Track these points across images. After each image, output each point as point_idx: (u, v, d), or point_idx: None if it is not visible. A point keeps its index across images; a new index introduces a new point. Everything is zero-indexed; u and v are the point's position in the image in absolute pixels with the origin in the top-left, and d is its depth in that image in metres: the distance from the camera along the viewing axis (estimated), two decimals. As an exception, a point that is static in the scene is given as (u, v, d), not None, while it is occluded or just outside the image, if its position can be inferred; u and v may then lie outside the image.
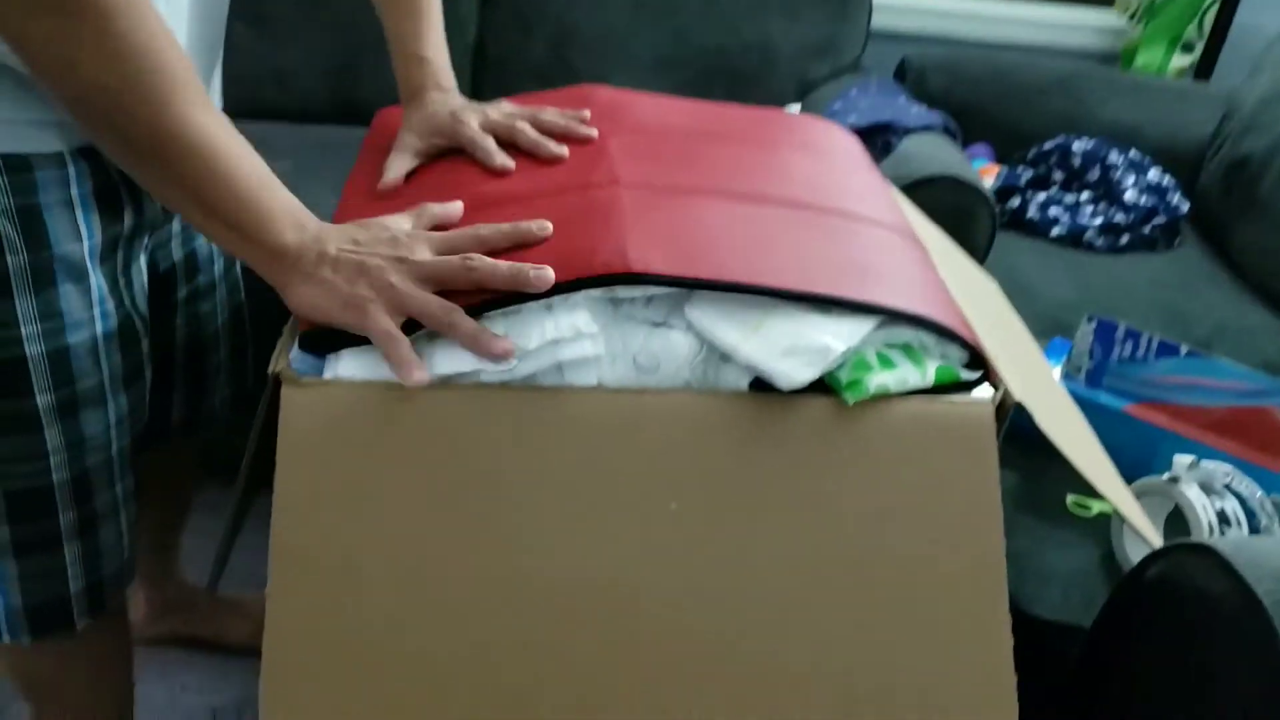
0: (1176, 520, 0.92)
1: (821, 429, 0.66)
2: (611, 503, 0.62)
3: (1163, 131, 1.83)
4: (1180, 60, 1.99)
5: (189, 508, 1.20)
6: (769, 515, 0.64)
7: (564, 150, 0.82)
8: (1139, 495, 0.95)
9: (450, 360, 0.63)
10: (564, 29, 1.85)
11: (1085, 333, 1.09)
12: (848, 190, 0.86)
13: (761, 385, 0.66)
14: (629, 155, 0.84)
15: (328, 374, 0.64)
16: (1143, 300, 1.49)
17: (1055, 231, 1.65)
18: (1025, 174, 1.73)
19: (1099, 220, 1.65)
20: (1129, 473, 1.07)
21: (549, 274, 0.63)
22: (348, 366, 0.64)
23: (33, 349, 0.72)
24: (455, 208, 0.73)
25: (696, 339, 0.66)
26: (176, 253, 0.88)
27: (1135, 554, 0.93)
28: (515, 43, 1.87)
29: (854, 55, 1.89)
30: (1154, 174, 1.72)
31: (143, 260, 0.82)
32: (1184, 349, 1.04)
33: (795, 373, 0.64)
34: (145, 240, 0.82)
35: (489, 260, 0.64)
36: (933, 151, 1.44)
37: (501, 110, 0.86)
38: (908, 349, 0.70)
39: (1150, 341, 1.06)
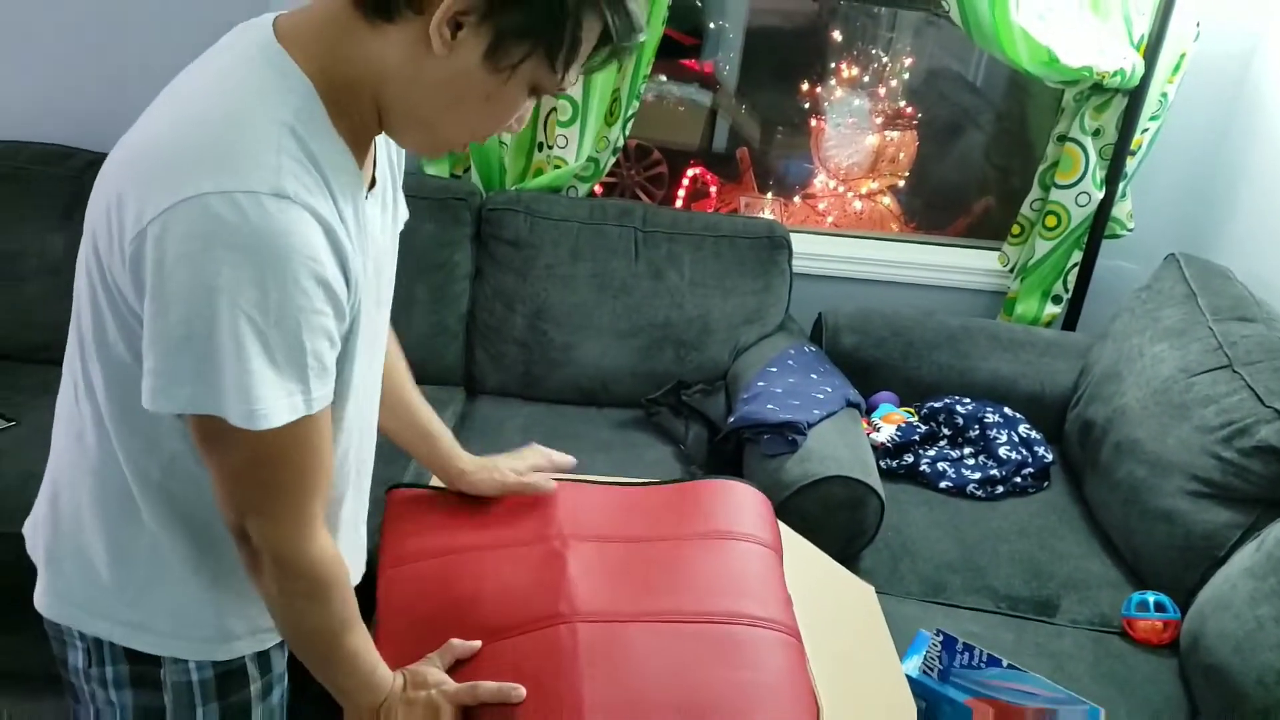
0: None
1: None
2: None
3: (1033, 383, 2.22)
4: (1052, 309, 2.39)
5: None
6: None
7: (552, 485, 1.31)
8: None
9: None
10: (540, 305, 2.22)
11: (935, 643, 1.45)
12: (746, 591, 1.22)
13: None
14: (585, 577, 1.19)
15: None
16: (1007, 556, 1.86)
17: (943, 484, 2.03)
18: (919, 430, 2.11)
19: (978, 475, 2.03)
20: (970, 751, 1.43)
21: (522, 692, 1.03)
22: None
23: None
24: (474, 646, 1.12)
25: None
26: None
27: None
28: (500, 314, 2.24)
29: (777, 321, 2.28)
30: (1023, 429, 2.11)
31: None
32: (1005, 662, 1.41)
33: None
34: None
35: (488, 685, 1.04)
36: (830, 450, 1.82)
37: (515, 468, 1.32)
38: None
39: (981, 654, 1.42)
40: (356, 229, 0.89)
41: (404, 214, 1.12)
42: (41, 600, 1.02)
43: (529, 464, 1.35)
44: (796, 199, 3.16)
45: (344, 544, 1.06)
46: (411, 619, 1.17)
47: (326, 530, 0.95)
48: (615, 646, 1.10)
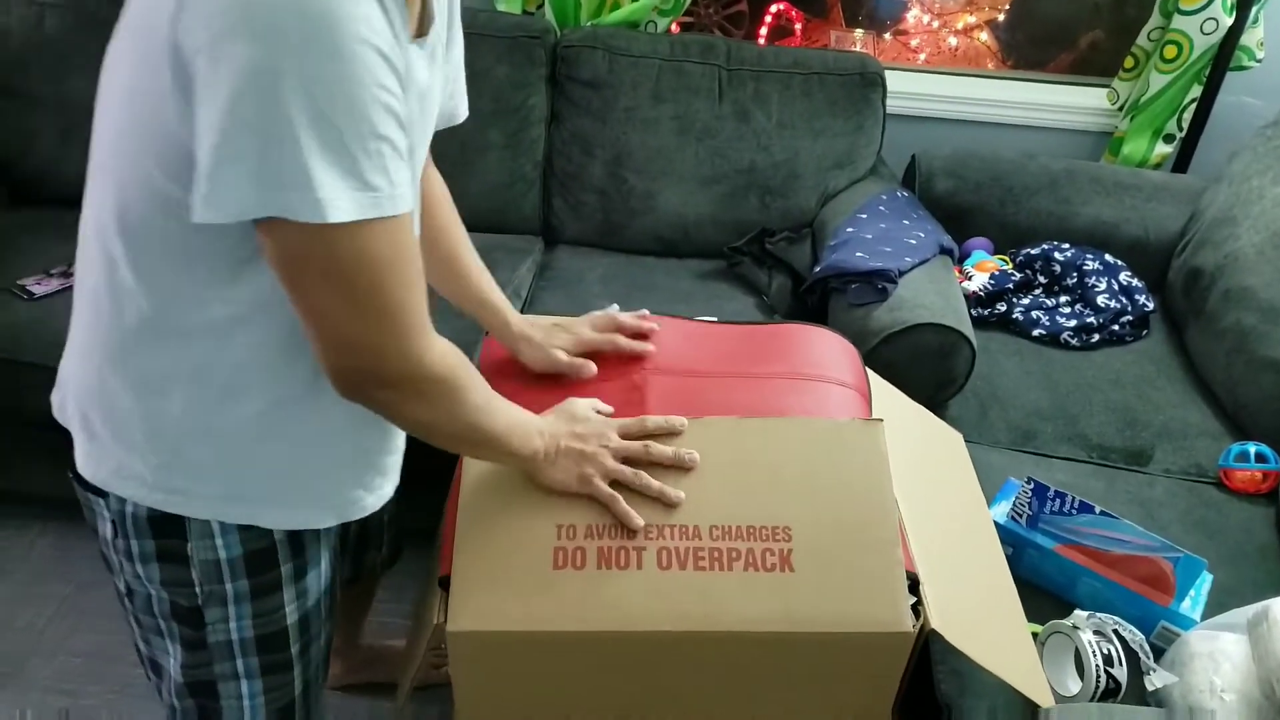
0: (1077, 658, 1.28)
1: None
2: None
3: (1137, 229, 2.11)
4: (1163, 149, 2.24)
5: (369, 605, 1.66)
6: None
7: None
8: (1051, 633, 1.31)
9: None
10: (619, 150, 2.16)
11: (1026, 490, 1.43)
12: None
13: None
14: (662, 407, 1.19)
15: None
16: (1101, 405, 1.81)
17: (1036, 332, 1.96)
18: (1013, 278, 2.03)
19: (1074, 322, 1.96)
20: (1056, 594, 1.43)
21: (697, 456, 1.06)
22: None
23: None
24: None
25: None
26: None
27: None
28: (578, 161, 2.19)
29: (868, 165, 2.18)
30: (1124, 276, 2.01)
31: None
32: (1097, 509, 1.38)
33: None
34: None
35: (661, 447, 1.06)
36: (921, 296, 1.76)
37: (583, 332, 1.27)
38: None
39: (1073, 500, 1.40)
40: (403, 64, 0.81)
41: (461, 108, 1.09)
42: (84, 465, 0.96)
43: (592, 327, 1.28)
44: (887, 35, 2.99)
45: None
46: None
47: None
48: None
